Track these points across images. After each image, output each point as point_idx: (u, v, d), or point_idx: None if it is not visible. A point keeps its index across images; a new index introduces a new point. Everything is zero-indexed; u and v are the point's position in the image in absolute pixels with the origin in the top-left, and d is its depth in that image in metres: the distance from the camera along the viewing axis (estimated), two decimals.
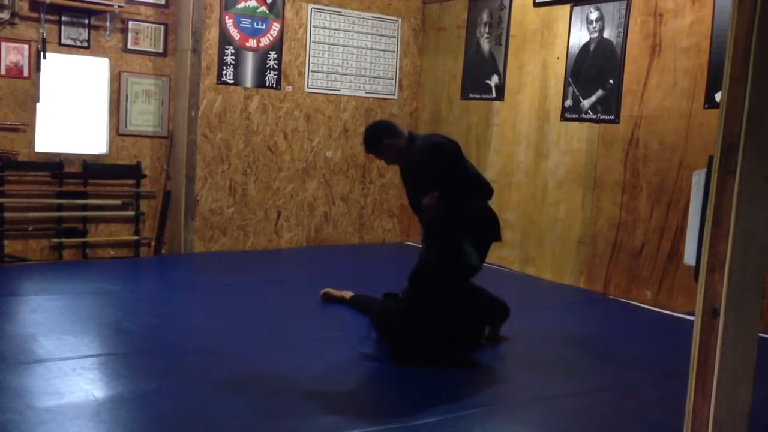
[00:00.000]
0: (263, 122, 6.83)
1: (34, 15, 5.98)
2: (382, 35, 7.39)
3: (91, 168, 6.38)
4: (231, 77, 6.63)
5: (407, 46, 7.53)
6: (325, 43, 7.10)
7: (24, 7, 5.95)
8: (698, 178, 2.44)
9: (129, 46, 6.44)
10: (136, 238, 6.60)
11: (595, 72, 5.89)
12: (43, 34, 5.98)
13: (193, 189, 6.56)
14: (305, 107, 7.04)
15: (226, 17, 6.55)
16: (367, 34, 7.31)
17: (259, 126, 6.81)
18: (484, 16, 6.88)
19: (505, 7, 6.65)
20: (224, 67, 6.58)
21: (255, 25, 6.70)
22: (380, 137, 4.31)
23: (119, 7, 6.27)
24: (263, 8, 6.73)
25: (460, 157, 4.24)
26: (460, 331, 4.22)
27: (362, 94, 7.32)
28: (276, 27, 6.81)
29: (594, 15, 5.90)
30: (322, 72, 7.10)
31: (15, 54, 5.95)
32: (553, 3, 6.21)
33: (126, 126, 6.52)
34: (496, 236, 4.42)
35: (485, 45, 6.87)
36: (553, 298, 5.83)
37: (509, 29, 6.63)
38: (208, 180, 6.62)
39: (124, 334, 4.30)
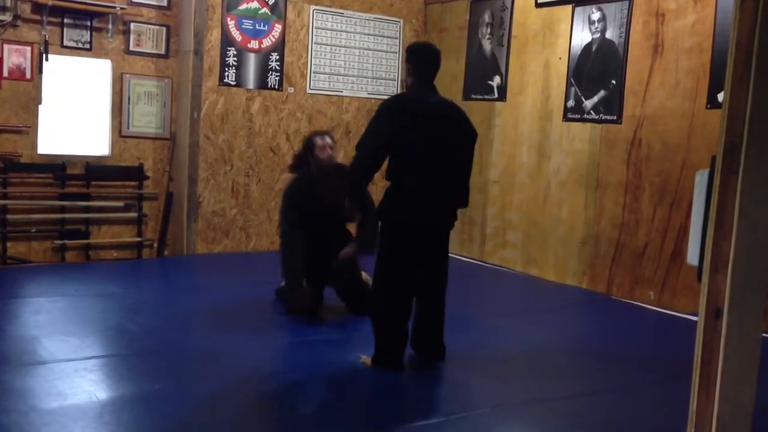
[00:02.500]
0: (265, 123, 6.83)
1: (37, 17, 5.99)
2: (383, 36, 7.39)
3: (93, 170, 6.39)
4: (233, 79, 6.63)
5: None
6: (326, 45, 7.10)
7: (26, 9, 5.97)
8: (701, 179, 2.43)
9: (131, 48, 6.45)
10: (138, 239, 6.61)
11: (598, 72, 5.89)
12: (45, 36, 5.99)
13: (195, 190, 6.56)
14: (307, 108, 7.04)
15: (228, 19, 6.56)
16: (369, 35, 7.32)
17: (261, 127, 6.81)
18: (486, 17, 6.88)
19: (507, 8, 6.65)
20: (226, 69, 6.59)
21: (257, 27, 6.70)
22: (408, 58, 4.07)
23: (121, 8, 6.28)
24: (265, 10, 6.73)
25: (382, 122, 3.85)
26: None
27: (364, 95, 7.32)
28: (278, 28, 6.82)
29: (596, 15, 5.89)
30: (324, 73, 7.10)
31: (17, 56, 5.96)
32: (555, 3, 6.21)
33: (128, 128, 6.53)
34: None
35: (487, 46, 6.87)
36: (555, 298, 5.83)
37: (511, 30, 6.62)
38: (210, 181, 6.62)
39: (127, 336, 4.31)
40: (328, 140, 4.99)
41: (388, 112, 3.90)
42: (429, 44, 4.30)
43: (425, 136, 3.84)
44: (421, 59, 4.02)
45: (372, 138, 3.86)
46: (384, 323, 3.90)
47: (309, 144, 5.00)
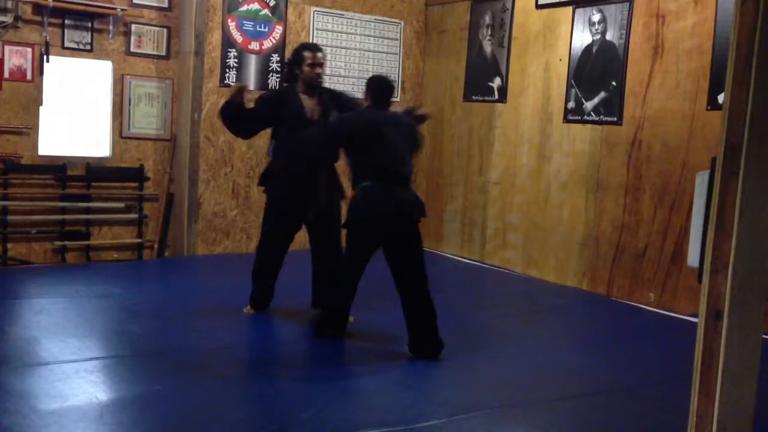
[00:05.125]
0: None
1: (38, 18, 6.00)
2: (384, 38, 7.39)
3: (94, 171, 6.39)
4: (234, 80, 6.62)
5: (410, 49, 7.53)
6: (327, 46, 7.09)
7: (27, 11, 5.97)
8: (701, 180, 2.43)
9: (132, 49, 6.45)
10: (139, 240, 6.61)
11: (598, 74, 5.89)
12: (46, 37, 5.99)
13: (195, 192, 6.56)
14: None
15: (229, 20, 6.56)
16: (370, 36, 7.32)
17: None
18: (487, 18, 6.88)
19: (508, 9, 6.65)
20: (227, 70, 6.59)
21: (258, 28, 6.71)
22: (367, 88, 4.43)
23: (122, 10, 6.28)
24: (266, 11, 6.74)
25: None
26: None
27: None
28: (279, 30, 6.82)
29: (596, 17, 5.90)
30: (325, 75, 7.08)
31: (18, 57, 5.96)
32: (556, 5, 6.21)
33: (129, 129, 6.53)
34: None
35: (488, 47, 6.87)
36: (556, 300, 5.83)
37: (512, 31, 6.63)
38: (210, 183, 6.62)
39: (128, 337, 4.31)
40: (319, 56, 4.69)
41: (344, 120, 4.46)
42: (384, 77, 4.64)
43: (379, 141, 4.20)
44: (377, 89, 4.39)
45: (328, 133, 4.48)
46: (339, 304, 4.34)
47: (296, 56, 4.72)
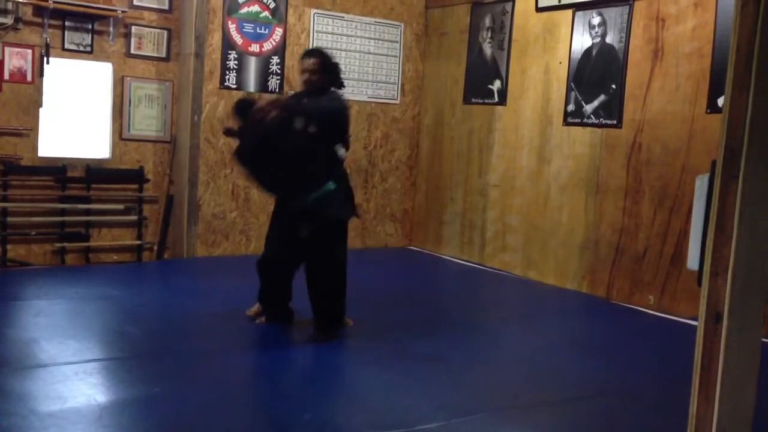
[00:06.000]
0: None
1: (38, 20, 6.00)
2: (384, 40, 7.40)
3: (94, 172, 6.39)
4: (234, 82, 6.64)
5: (410, 51, 7.53)
6: (327, 48, 7.10)
7: (28, 12, 5.98)
8: (701, 183, 2.44)
9: (132, 51, 6.45)
10: (138, 242, 6.61)
11: (598, 77, 5.89)
12: (46, 39, 6.00)
13: (195, 193, 6.56)
14: None
15: (229, 22, 6.57)
16: (370, 39, 7.32)
17: None
18: (487, 21, 6.88)
19: (508, 12, 6.66)
20: (227, 72, 6.60)
21: (258, 30, 6.71)
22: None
23: (122, 12, 6.29)
24: (266, 13, 6.74)
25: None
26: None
27: (365, 98, 7.33)
28: (279, 32, 6.83)
29: (596, 20, 5.90)
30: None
31: (18, 59, 5.97)
32: (556, 8, 6.22)
33: (129, 130, 6.53)
34: None
35: (488, 50, 6.88)
36: (555, 302, 5.83)
37: (512, 34, 6.63)
38: (210, 184, 6.63)
39: (127, 339, 4.30)
40: (306, 62, 4.51)
41: None
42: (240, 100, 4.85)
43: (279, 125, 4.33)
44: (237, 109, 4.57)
45: None
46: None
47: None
